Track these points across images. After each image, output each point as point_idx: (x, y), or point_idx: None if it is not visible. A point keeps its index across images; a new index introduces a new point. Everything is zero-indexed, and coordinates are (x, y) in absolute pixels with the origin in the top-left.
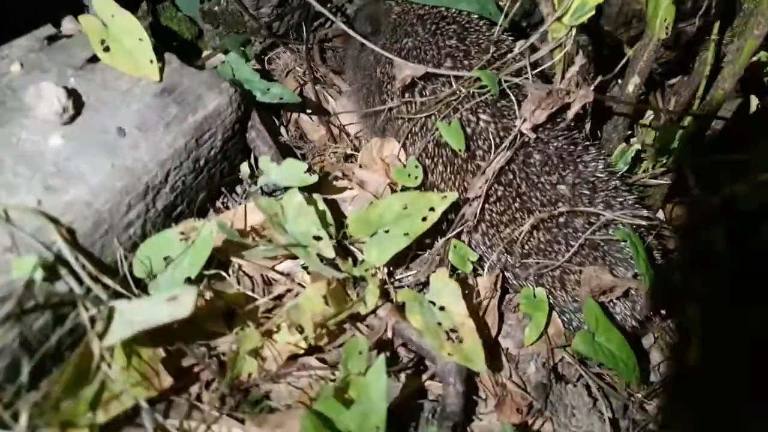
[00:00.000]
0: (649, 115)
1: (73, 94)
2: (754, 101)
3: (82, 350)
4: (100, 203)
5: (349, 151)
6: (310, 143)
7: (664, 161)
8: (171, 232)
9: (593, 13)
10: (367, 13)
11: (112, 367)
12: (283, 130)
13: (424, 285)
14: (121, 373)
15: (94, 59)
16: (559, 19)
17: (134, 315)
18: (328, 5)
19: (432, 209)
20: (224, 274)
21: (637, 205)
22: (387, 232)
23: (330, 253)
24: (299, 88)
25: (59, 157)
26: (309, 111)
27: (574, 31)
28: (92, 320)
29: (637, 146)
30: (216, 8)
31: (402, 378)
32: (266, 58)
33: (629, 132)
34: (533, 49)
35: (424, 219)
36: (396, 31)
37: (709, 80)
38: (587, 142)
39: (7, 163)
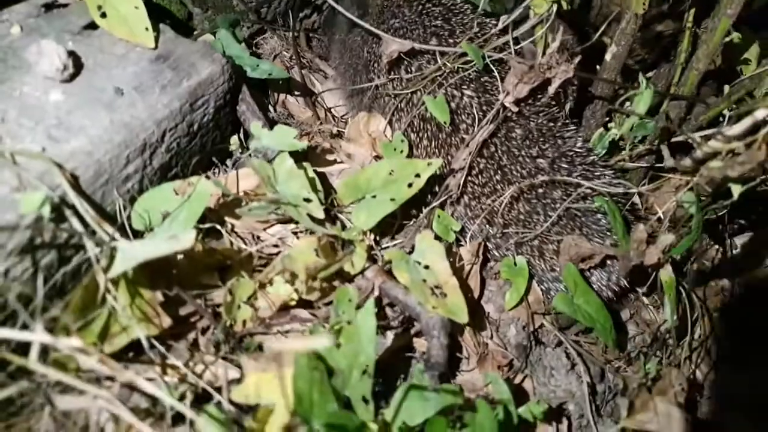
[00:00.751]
0: (626, 103)
1: (72, 54)
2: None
3: (88, 281)
4: (100, 154)
5: (335, 130)
6: (298, 123)
7: (640, 147)
8: (167, 186)
9: None
10: None
11: (117, 301)
12: (270, 108)
13: (409, 252)
14: (126, 309)
15: (90, 26)
16: None
17: (136, 252)
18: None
19: (418, 175)
20: (219, 228)
21: (614, 179)
22: (374, 197)
23: (320, 214)
24: (286, 72)
25: (60, 111)
26: (296, 93)
27: (555, 7)
28: (96, 258)
29: (615, 131)
30: None
31: (389, 335)
32: (254, 42)
33: (607, 118)
34: (516, 25)
35: (410, 185)
36: (383, 12)
37: (685, 68)
38: (566, 119)
39: (11, 114)
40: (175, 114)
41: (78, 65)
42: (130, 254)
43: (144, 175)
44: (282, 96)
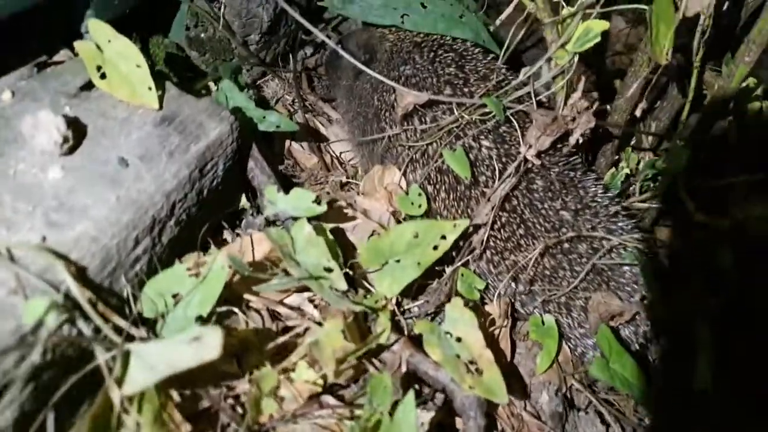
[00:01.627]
0: (634, 140)
1: (72, 124)
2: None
3: (100, 400)
4: (107, 238)
5: (344, 179)
6: (305, 172)
7: (651, 186)
8: (179, 267)
9: (598, 39)
10: (361, 41)
11: (129, 414)
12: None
13: (433, 315)
14: (139, 424)
15: (87, 87)
16: (562, 46)
17: (155, 359)
18: (311, 35)
19: (444, 237)
20: (236, 310)
21: (636, 230)
22: (398, 261)
23: (342, 285)
24: (289, 116)
25: (60, 191)
26: (301, 139)
27: (576, 58)
28: (108, 367)
29: (626, 170)
30: (203, 35)
31: (424, 415)
32: (256, 85)
33: (616, 157)
34: (535, 76)
35: (435, 248)
36: (393, 58)
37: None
38: (585, 167)
39: (5, 197)
40: (184, 183)
41: (79, 135)
42: (148, 363)
43: (153, 255)
44: (287, 142)
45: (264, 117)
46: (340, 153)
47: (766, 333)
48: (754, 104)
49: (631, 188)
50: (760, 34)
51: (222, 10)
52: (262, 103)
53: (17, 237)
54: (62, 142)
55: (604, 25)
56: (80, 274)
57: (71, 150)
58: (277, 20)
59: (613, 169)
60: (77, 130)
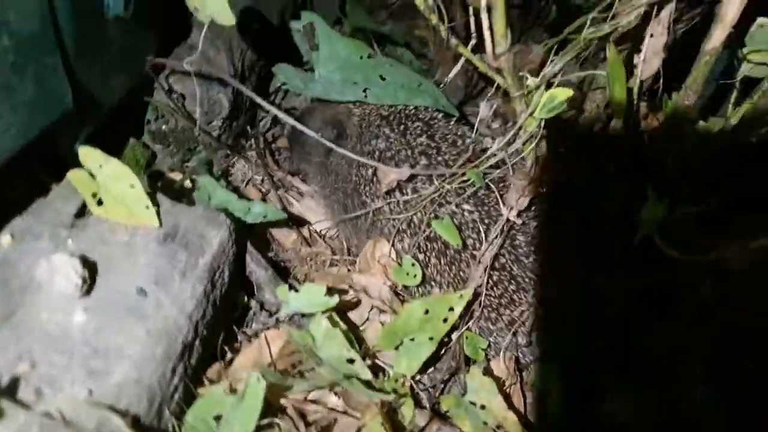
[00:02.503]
0: None
1: (87, 263)
2: None
3: None
4: (147, 376)
5: (329, 254)
6: (287, 251)
7: None
8: (216, 389)
9: (564, 107)
10: (327, 117)
11: None
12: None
13: (444, 382)
14: None
15: (81, 213)
16: (531, 114)
17: None
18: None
19: (451, 309)
20: (277, 420)
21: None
22: (412, 340)
23: (367, 375)
24: (263, 198)
25: (89, 334)
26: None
27: (542, 123)
28: None
29: None
30: (164, 127)
31: None
32: (222, 169)
33: None
34: (508, 142)
35: (445, 320)
36: (363, 133)
37: None
38: None
39: (37, 351)
40: (201, 300)
41: (92, 272)
42: None
43: (185, 379)
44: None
45: (249, 209)
46: (321, 231)
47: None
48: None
49: None
50: (695, 81)
51: (182, 100)
52: (234, 192)
53: (62, 393)
54: (81, 283)
55: (568, 92)
56: (134, 423)
57: (89, 290)
58: (236, 103)
59: None
60: (89, 267)
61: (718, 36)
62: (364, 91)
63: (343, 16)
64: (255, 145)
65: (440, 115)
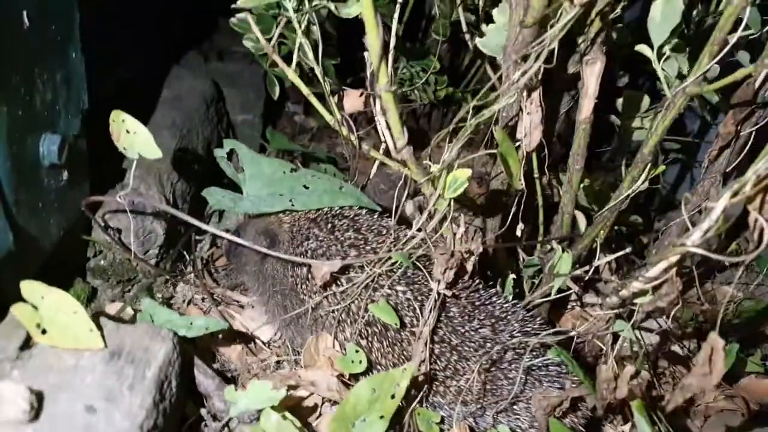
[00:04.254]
0: None
1: (33, 390)
2: None
3: None
4: None
5: (274, 359)
6: (233, 363)
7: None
8: None
9: (466, 185)
10: (260, 228)
11: None
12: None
13: None
14: None
15: (25, 345)
16: (440, 195)
17: None
18: (204, 233)
19: (398, 384)
20: None
21: (544, 325)
22: (364, 420)
23: None
24: (204, 315)
25: None
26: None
27: (452, 203)
28: None
29: (512, 276)
30: (102, 262)
31: None
32: (164, 297)
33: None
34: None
35: (392, 396)
36: (294, 237)
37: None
38: (483, 286)
39: None
40: (150, 410)
41: (40, 398)
42: None
43: None
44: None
45: (191, 323)
46: (266, 340)
47: None
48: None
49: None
50: (579, 147)
51: (118, 235)
52: (178, 311)
53: None
54: (29, 409)
55: (467, 173)
56: None
57: (37, 414)
58: (171, 229)
59: (500, 279)
60: (36, 395)
61: (586, 107)
62: (290, 201)
63: (266, 143)
64: (193, 268)
65: (364, 212)
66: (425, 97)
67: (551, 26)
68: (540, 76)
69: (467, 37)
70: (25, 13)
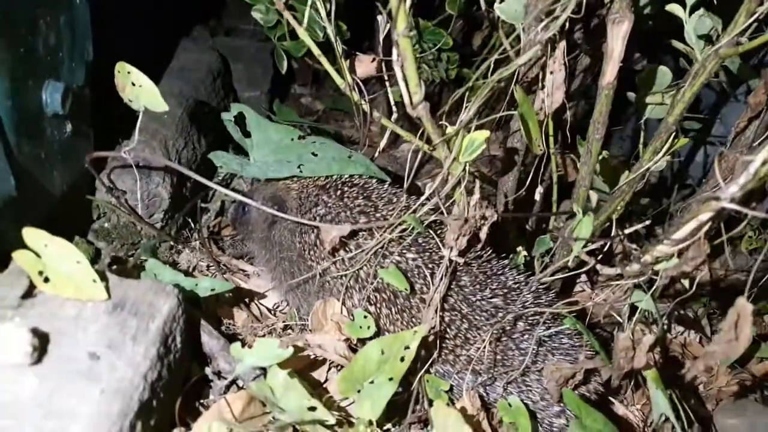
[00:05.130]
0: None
1: (37, 333)
2: None
3: None
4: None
5: (281, 324)
6: (238, 327)
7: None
8: None
9: (483, 146)
10: (267, 195)
11: None
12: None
13: (411, 425)
14: None
15: (27, 294)
16: (455, 159)
17: None
18: (210, 201)
19: (407, 347)
20: None
21: (556, 298)
22: (372, 382)
23: (331, 419)
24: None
25: (42, 399)
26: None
27: (468, 167)
28: None
29: (523, 252)
30: (106, 225)
31: None
32: (168, 261)
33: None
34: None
35: (402, 359)
36: (303, 203)
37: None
38: (496, 256)
39: None
40: (155, 362)
41: (44, 342)
42: None
43: None
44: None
45: (197, 284)
46: (274, 305)
47: None
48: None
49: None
50: (600, 114)
51: (123, 196)
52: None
53: None
54: (32, 350)
55: (485, 134)
56: None
57: (39, 358)
58: (176, 195)
59: (512, 255)
60: (41, 337)
61: (610, 71)
62: (299, 167)
63: (273, 114)
64: (198, 235)
65: (374, 181)
66: (437, 75)
67: None
68: (564, 32)
69: (483, 5)
70: None
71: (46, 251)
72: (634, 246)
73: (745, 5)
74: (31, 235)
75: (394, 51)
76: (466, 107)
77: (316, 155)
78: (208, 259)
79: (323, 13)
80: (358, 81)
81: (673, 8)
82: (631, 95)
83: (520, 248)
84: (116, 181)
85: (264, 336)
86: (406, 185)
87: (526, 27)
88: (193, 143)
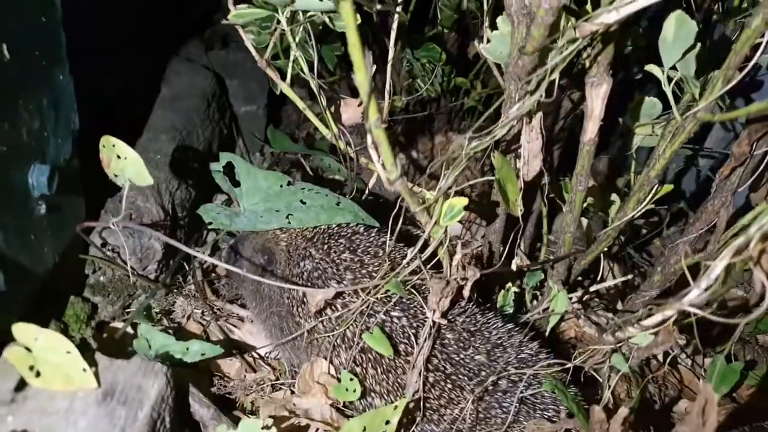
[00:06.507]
0: None
1: None
2: None
3: None
4: None
5: (271, 377)
6: (232, 381)
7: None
8: None
9: (462, 213)
10: (257, 245)
11: None
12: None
13: None
14: None
15: (20, 387)
16: (436, 223)
17: None
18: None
19: (388, 422)
20: None
21: (541, 350)
22: None
23: None
24: (204, 331)
25: None
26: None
27: (449, 230)
28: None
29: (513, 288)
30: (102, 278)
31: None
32: (165, 312)
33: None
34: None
35: None
36: (291, 257)
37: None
38: (482, 309)
39: None
40: None
41: None
42: None
43: None
44: None
45: (187, 349)
46: (266, 354)
47: None
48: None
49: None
50: (582, 167)
51: (115, 252)
52: (177, 328)
53: None
54: None
55: (463, 201)
56: None
57: None
58: (169, 245)
59: (503, 290)
60: None
61: (591, 129)
62: (287, 217)
63: (267, 144)
64: (193, 279)
65: (361, 228)
66: (432, 90)
67: (552, 58)
68: (540, 105)
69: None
70: (4, 46)
71: (37, 345)
72: (610, 315)
73: (722, 71)
74: (20, 330)
75: (368, 137)
76: (444, 175)
77: (304, 203)
78: (203, 306)
79: (306, 70)
80: (343, 130)
81: (652, 69)
82: (628, 121)
83: (509, 285)
84: (109, 237)
85: (254, 399)
86: (390, 242)
87: (506, 87)
88: (186, 182)
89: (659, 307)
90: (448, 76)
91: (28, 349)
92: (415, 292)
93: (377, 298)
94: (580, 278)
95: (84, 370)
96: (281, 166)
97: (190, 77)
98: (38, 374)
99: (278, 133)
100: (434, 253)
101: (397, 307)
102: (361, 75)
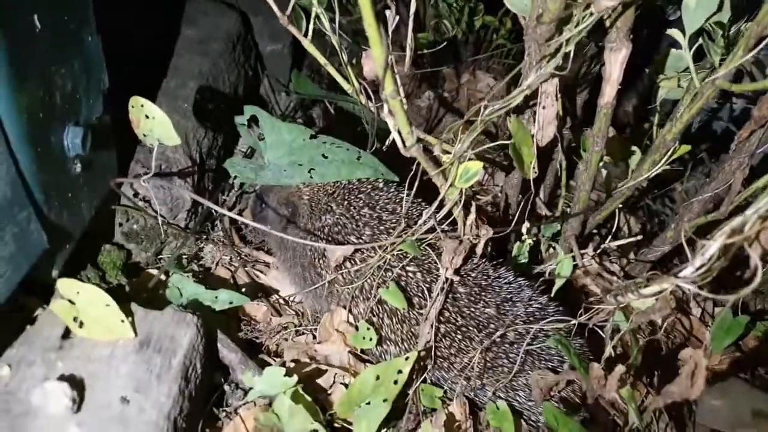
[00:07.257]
0: None
1: (75, 384)
2: None
3: None
4: None
5: (295, 322)
6: (259, 324)
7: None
8: None
9: (478, 175)
10: (282, 198)
11: None
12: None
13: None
14: None
15: (66, 334)
16: (451, 185)
17: None
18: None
19: (400, 371)
20: None
21: (549, 303)
22: (368, 404)
23: None
24: (232, 276)
25: None
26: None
27: (464, 191)
28: None
29: (529, 241)
30: (135, 227)
31: None
32: (196, 257)
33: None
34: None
35: (395, 382)
36: (314, 211)
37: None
38: (494, 263)
39: None
40: (177, 398)
41: (81, 390)
42: None
43: None
44: None
45: (216, 297)
46: (288, 297)
47: None
48: None
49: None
50: (599, 129)
51: (146, 201)
52: (206, 273)
53: None
54: (72, 403)
55: (479, 164)
56: None
57: (79, 407)
58: (198, 192)
59: (518, 242)
60: (78, 386)
61: (609, 93)
62: (309, 171)
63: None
64: (221, 226)
65: (381, 183)
66: (459, 30)
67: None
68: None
69: None
70: (36, 16)
71: (79, 298)
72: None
73: (743, 41)
74: (64, 285)
75: (385, 107)
76: (460, 139)
77: (326, 157)
78: (230, 253)
79: (327, 26)
80: (365, 85)
81: (673, 33)
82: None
83: (524, 237)
84: (139, 188)
85: (279, 343)
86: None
87: (526, 48)
88: (213, 129)
89: (656, 280)
90: (477, 14)
91: (71, 302)
92: (429, 249)
93: (393, 254)
94: (595, 231)
95: (122, 321)
96: (306, 106)
97: (215, 18)
98: (81, 325)
99: (302, 77)
100: (450, 212)
101: (412, 263)
102: (377, 49)
